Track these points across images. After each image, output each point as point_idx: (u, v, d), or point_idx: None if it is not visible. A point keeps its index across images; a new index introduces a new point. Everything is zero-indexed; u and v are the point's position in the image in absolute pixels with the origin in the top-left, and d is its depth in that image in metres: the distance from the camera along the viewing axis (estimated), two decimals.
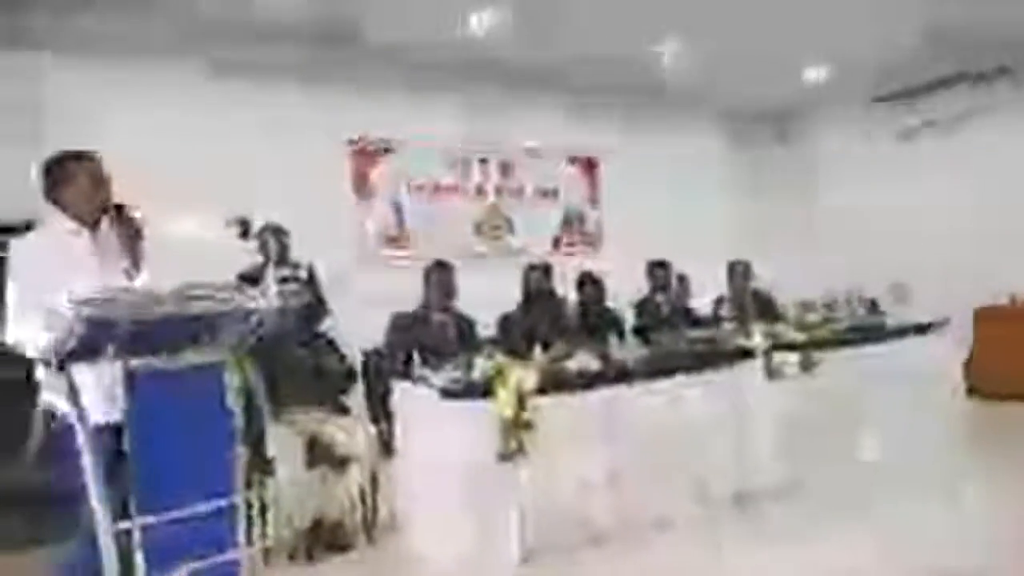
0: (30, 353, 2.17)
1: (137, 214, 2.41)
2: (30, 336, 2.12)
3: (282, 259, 3.96)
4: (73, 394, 1.90)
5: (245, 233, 2.41)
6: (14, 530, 3.35)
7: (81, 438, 1.91)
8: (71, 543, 2.26)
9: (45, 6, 4.72)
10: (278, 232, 4.09)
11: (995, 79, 6.85)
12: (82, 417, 1.91)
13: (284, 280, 3.12)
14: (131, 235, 2.36)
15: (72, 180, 2.40)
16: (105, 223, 2.40)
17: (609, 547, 3.32)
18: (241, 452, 2.28)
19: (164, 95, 5.08)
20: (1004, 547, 3.20)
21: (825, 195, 8.00)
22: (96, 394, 2.12)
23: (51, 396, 2.22)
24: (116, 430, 2.03)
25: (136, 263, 2.35)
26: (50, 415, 2.24)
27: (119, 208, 2.39)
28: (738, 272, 5.45)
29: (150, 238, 2.46)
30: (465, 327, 4.18)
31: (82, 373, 2.02)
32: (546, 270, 4.78)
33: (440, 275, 4.13)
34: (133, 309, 1.87)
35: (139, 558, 1.96)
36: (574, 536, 3.30)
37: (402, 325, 4.05)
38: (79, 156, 2.44)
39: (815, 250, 7.54)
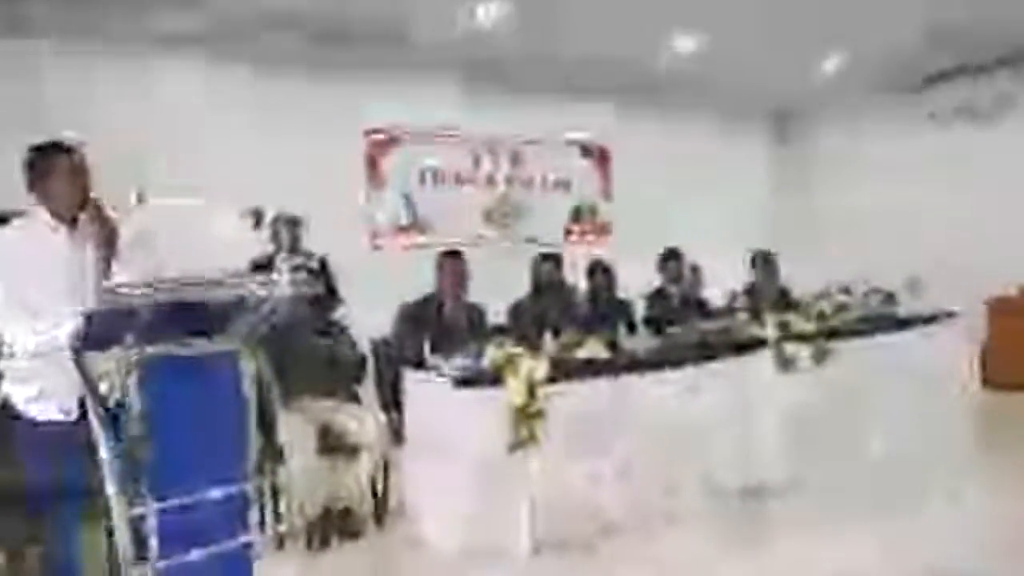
0: (18, 349, 2.19)
1: (111, 212, 2.32)
2: (16, 331, 2.16)
3: (294, 248, 3.98)
4: (89, 383, 1.91)
5: (258, 223, 2.41)
6: None
7: (95, 426, 1.93)
8: (44, 540, 2.30)
9: None
10: (290, 221, 4.11)
11: (995, 70, 6.78)
12: (97, 405, 1.92)
13: (296, 269, 3.13)
14: (107, 232, 2.30)
15: (56, 172, 2.33)
16: (83, 218, 2.33)
17: (618, 538, 3.32)
18: (253, 439, 2.29)
19: (166, 86, 5.08)
20: (1014, 544, 3.18)
21: (836, 189, 7.95)
22: (67, 389, 2.16)
23: (12, 389, 2.27)
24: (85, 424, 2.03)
25: (109, 260, 2.29)
26: (9, 408, 2.29)
27: (96, 204, 2.32)
28: (760, 263, 5.41)
29: (161, 232, 2.44)
30: (476, 316, 4.18)
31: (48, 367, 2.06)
32: (556, 260, 4.77)
33: (452, 264, 4.12)
34: (148, 297, 1.88)
35: (153, 543, 1.98)
36: (584, 526, 3.31)
37: (412, 314, 4.05)
38: (64, 147, 2.37)
39: (825, 243, 7.50)
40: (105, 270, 2.29)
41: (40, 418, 2.26)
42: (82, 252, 2.32)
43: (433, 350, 3.56)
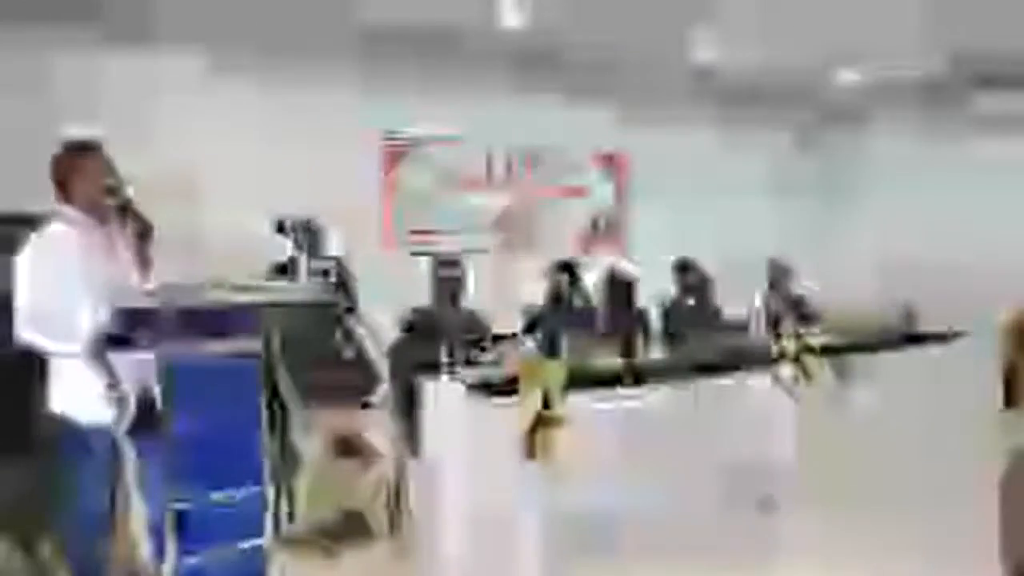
0: (48, 349, 2.21)
1: (144, 211, 2.35)
2: (55, 334, 2.17)
3: (314, 254, 3.99)
4: (112, 380, 1.94)
5: (280, 228, 2.44)
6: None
7: (117, 427, 1.96)
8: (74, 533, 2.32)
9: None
10: (312, 228, 4.12)
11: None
12: (121, 403, 1.96)
13: (314, 274, 3.16)
14: (140, 233, 2.32)
15: (81, 171, 2.34)
16: (114, 220, 2.35)
17: (631, 549, 3.30)
18: (269, 443, 2.31)
19: (173, 91, 5.03)
20: None
21: (854, 200, 7.89)
22: (91, 395, 2.17)
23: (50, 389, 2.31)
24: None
25: (145, 261, 2.31)
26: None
27: (125, 206, 2.33)
28: (777, 274, 5.38)
29: (175, 234, 2.46)
30: (476, 323, 4.15)
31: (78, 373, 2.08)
32: (571, 268, 4.76)
33: (447, 271, 4.09)
34: (170, 300, 1.92)
35: (170, 543, 2.01)
36: (598, 536, 3.30)
37: (427, 321, 4.05)
38: (91, 146, 2.39)
39: (844, 255, 7.44)
40: (144, 268, 2.31)
41: (70, 416, 2.29)
42: (115, 252, 2.33)
43: (449, 357, 3.56)
